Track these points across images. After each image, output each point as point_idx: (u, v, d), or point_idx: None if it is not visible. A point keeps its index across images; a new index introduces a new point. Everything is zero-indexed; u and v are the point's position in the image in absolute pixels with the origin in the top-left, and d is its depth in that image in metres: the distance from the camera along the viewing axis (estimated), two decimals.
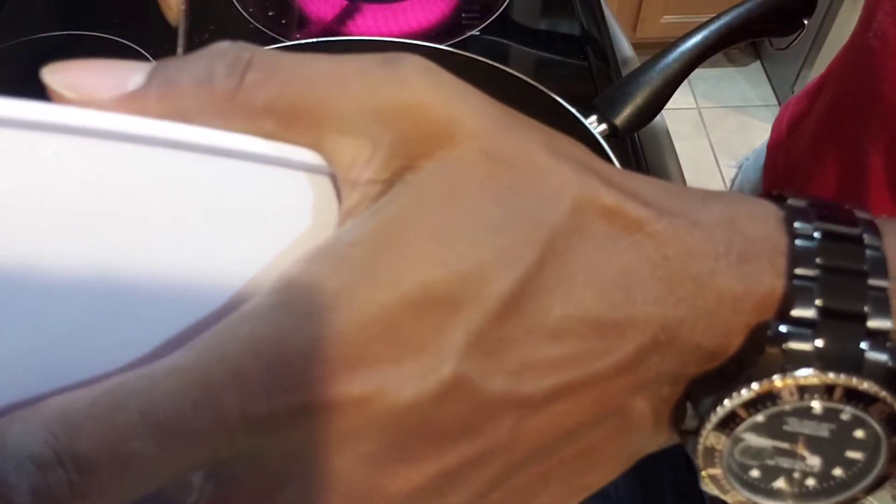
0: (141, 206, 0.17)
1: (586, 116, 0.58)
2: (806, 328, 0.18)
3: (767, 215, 0.20)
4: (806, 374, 0.18)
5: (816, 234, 0.19)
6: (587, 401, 0.18)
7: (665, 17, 1.98)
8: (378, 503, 0.18)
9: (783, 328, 0.18)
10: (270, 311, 0.17)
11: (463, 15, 0.78)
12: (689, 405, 0.20)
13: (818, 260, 0.19)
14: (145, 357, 0.17)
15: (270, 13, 0.77)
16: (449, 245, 0.17)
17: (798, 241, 0.19)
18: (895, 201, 0.51)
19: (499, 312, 0.17)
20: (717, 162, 1.97)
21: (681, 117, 2.04)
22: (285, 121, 0.17)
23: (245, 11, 0.77)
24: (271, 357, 0.16)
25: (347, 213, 0.18)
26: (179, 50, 0.30)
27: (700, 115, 2.07)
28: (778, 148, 0.67)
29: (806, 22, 0.61)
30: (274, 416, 0.16)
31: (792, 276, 0.19)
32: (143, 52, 0.73)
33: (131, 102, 0.17)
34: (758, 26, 0.61)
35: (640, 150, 0.67)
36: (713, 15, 0.59)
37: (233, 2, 0.78)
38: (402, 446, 0.17)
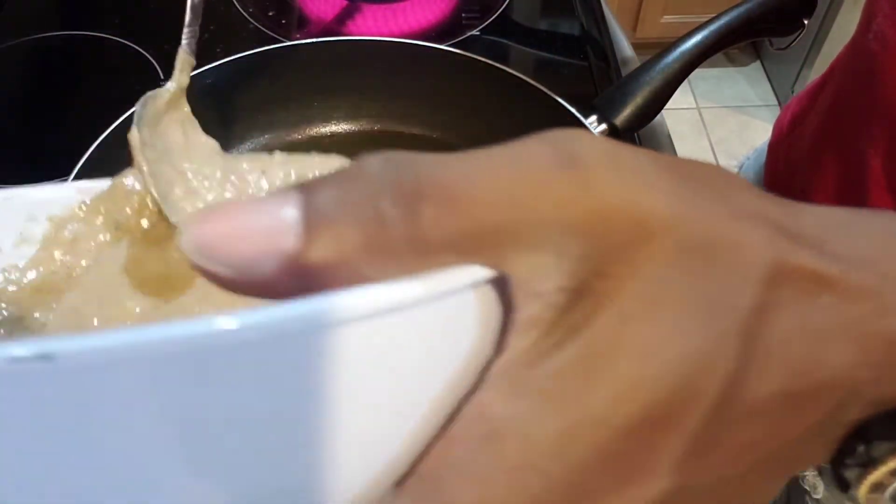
0: (304, 394, 0.15)
1: (586, 116, 0.58)
2: None
3: None
4: None
5: None
6: (775, 464, 0.19)
7: (665, 17, 1.98)
8: None
9: None
10: (486, 466, 0.16)
11: (463, 15, 0.78)
12: (861, 445, 0.20)
13: None
14: None
15: (270, 13, 0.77)
16: (657, 362, 0.16)
17: None
18: (895, 204, 0.51)
19: (708, 417, 0.17)
20: (718, 162, 1.97)
21: (681, 117, 2.04)
22: (466, 252, 0.16)
23: (245, 11, 0.77)
24: None
25: (529, 323, 0.16)
26: (186, 30, 0.30)
27: (700, 115, 2.07)
28: (779, 147, 0.67)
29: (806, 22, 0.61)
30: None
31: None
32: (143, 52, 0.73)
33: (296, 267, 0.15)
34: (758, 26, 0.61)
35: None
36: (713, 15, 0.59)
37: (233, 2, 0.78)
38: None
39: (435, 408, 0.17)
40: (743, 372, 0.17)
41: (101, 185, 0.28)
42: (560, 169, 0.16)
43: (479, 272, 0.16)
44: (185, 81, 0.30)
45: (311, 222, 0.15)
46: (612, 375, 0.16)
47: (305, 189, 0.15)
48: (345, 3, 0.78)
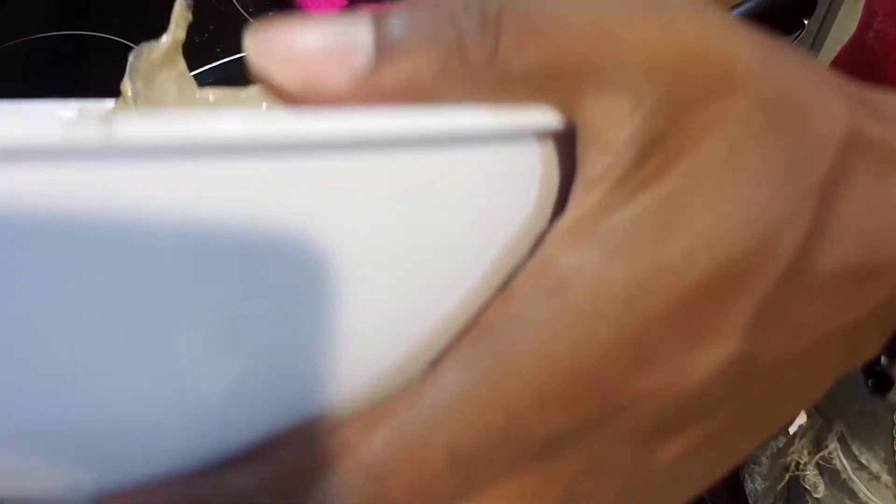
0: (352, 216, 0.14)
1: None
2: None
3: None
4: None
5: None
6: (834, 348, 0.18)
7: None
8: (644, 476, 0.17)
9: None
10: (553, 316, 0.15)
11: None
12: None
13: None
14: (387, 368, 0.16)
15: (270, 13, 0.77)
16: (734, 219, 0.16)
17: None
18: None
19: (780, 280, 0.16)
20: None
21: None
22: (541, 86, 0.15)
23: (245, 11, 0.77)
24: (568, 369, 0.15)
25: (598, 178, 0.16)
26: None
27: None
28: None
29: (806, 22, 0.61)
30: (574, 429, 0.16)
31: None
32: None
33: (367, 89, 0.15)
34: (758, 26, 0.61)
35: None
36: None
37: (233, 2, 0.78)
38: (673, 424, 0.17)
39: (489, 268, 0.16)
40: (816, 238, 0.16)
41: (104, 106, 0.26)
42: (647, 9, 0.15)
43: (548, 118, 0.15)
44: (181, 36, 0.30)
45: (386, 44, 0.15)
46: (688, 229, 0.15)
47: (377, 15, 0.15)
48: (345, 3, 0.78)
